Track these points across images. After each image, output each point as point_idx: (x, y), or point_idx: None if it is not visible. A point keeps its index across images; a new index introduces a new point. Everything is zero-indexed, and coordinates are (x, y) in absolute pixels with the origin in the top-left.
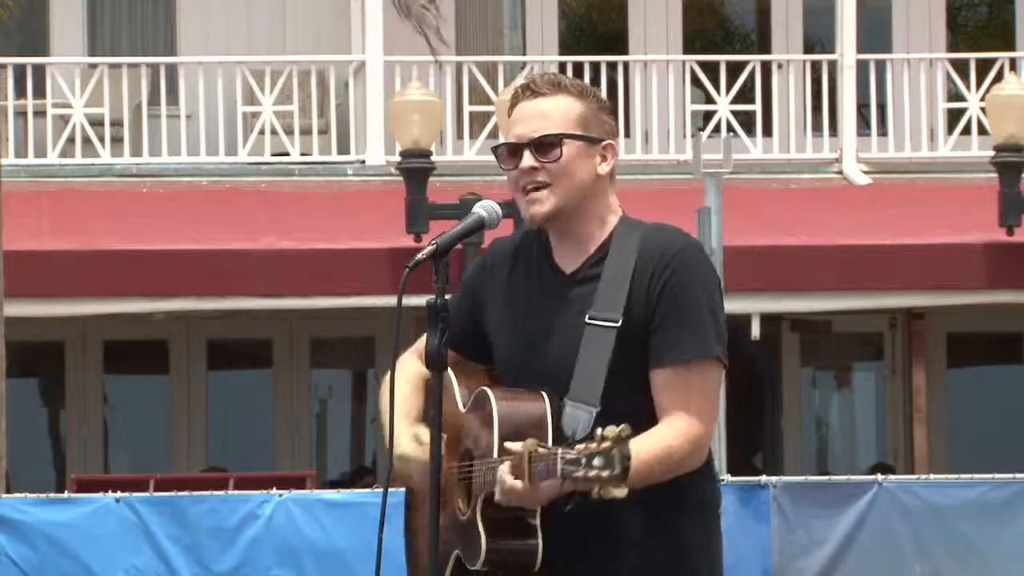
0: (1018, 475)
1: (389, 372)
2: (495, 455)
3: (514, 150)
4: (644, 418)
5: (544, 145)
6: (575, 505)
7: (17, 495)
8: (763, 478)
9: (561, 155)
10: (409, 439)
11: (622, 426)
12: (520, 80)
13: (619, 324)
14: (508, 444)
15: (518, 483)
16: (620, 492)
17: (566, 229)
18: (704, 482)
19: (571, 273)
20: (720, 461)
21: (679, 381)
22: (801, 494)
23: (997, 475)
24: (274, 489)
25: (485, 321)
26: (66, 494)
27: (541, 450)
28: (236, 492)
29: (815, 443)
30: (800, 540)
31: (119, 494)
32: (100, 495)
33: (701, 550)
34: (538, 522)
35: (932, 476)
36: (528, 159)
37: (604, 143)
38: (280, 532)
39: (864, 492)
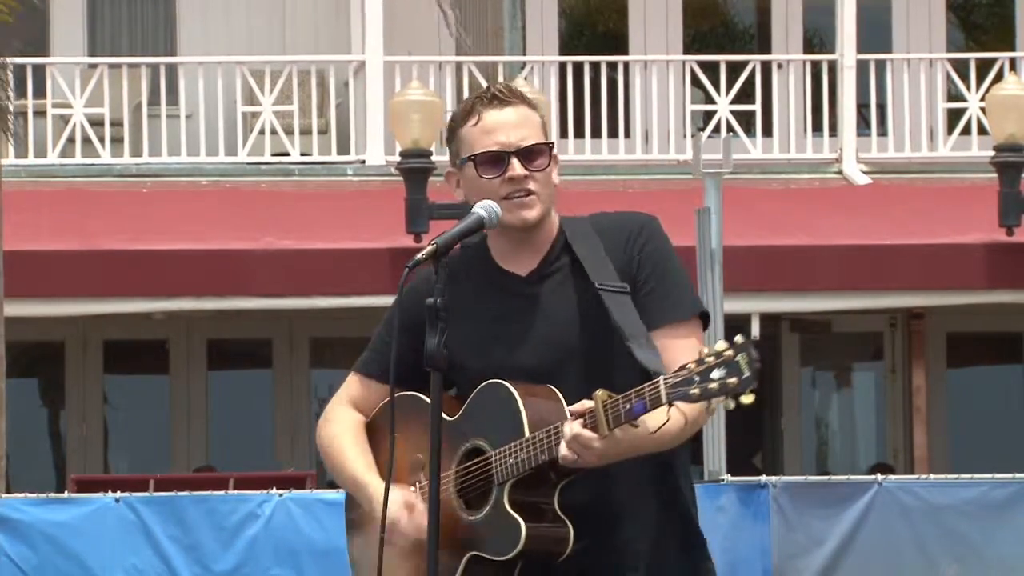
0: (1018, 475)
1: (330, 419)
2: (526, 434)
3: (498, 158)
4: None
5: (532, 153)
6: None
7: (17, 495)
8: (763, 478)
9: (547, 163)
10: (402, 507)
11: (737, 336)
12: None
13: (628, 290)
14: (571, 407)
15: (594, 435)
16: (749, 399)
17: (529, 235)
18: (681, 448)
19: (529, 274)
20: (720, 461)
21: (684, 337)
22: (801, 494)
23: (997, 475)
24: (274, 489)
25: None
26: (66, 494)
27: (613, 396)
28: (236, 492)
29: (815, 443)
30: (800, 540)
31: (119, 494)
32: (100, 495)
33: (696, 514)
34: (558, 509)
35: (932, 476)
36: (519, 167)
37: (554, 152)
38: (280, 532)
39: (864, 492)
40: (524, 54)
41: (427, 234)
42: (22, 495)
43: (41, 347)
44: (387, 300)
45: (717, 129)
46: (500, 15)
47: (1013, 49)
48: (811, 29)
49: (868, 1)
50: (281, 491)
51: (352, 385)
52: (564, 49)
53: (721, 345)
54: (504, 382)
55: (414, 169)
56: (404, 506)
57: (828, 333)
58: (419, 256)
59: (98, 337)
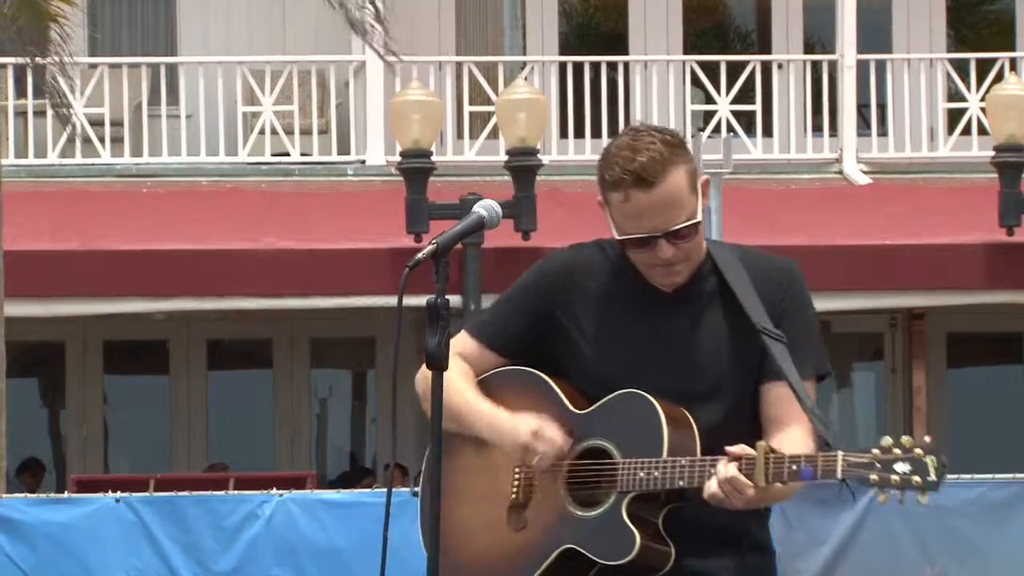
0: (1018, 475)
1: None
2: (664, 455)
3: (646, 240)
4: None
5: (680, 234)
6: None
7: (17, 495)
8: None
9: (696, 234)
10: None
11: (927, 436)
12: (616, 159)
13: (785, 339)
14: (731, 448)
15: (749, 483)
16: (926, 500)
17: None
18: None
19: (676, 292)
20: None
21: (794, 394)
22: (801, 494)
23: (997, 475)
24: (274, 489)
25: (559, 330)
26: (66, 494)
27: (777, 451)
28: (236, 492)
29: None
30: (800, 540)
31: (119, 494)
32: (100, 495)
33: (776, 560)
34: (662, 528)
35: None
36: (668, 251)
37: (702, 183)
38: (280, 532)
39: (864, 491)
40: (524, 54)
41: (427, 234)
42: (22, 495)
43: (41, 347)
44: (387, 300)
45: (717, 129)
46: (500, 15)
47: (1013, 49)
48: (811, 29)
49: (868, 1)
50: (281, 491)
51: (464, 344)
52: (564, 49)
53: (907, 440)
54: (648, 396)
55: (414, 169)
56: (542, 420)
57: (828, 333)
58: (419, 256)
59: (98, 337)
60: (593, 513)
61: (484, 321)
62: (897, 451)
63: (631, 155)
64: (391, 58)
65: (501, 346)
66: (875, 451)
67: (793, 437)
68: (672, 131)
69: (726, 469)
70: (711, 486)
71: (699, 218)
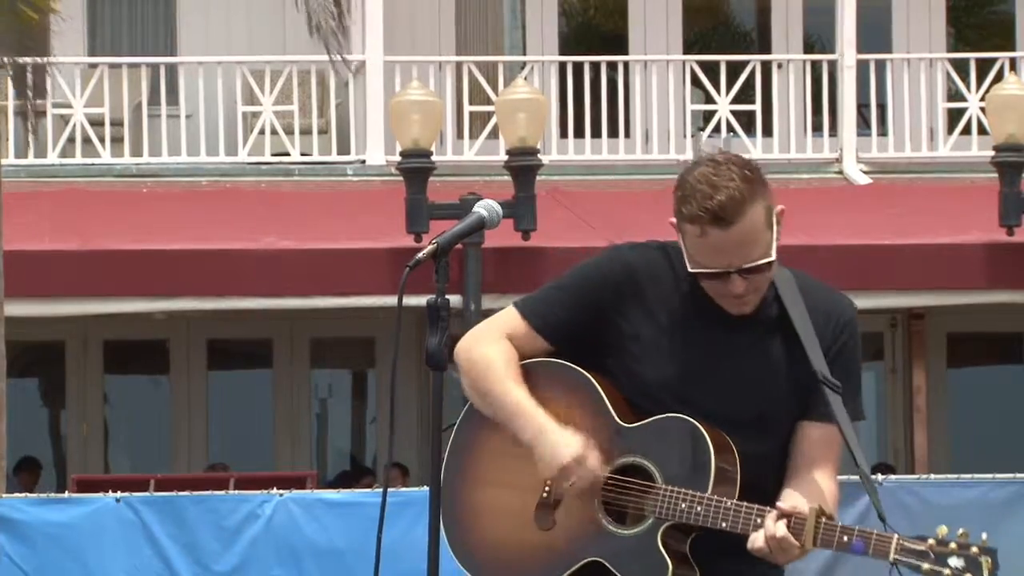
0: (1018, 475)
1: (488, 341)
2: (708, 492)
3: (720, 274)
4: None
5: (754, 270)
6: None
7: (17, 495)
8: None
9: (769, 270)
10: (587, 447)
11: (984, 534)
12: (695, 197)
13: (841, 391)
14: (782, 504)
15: (796, 544)
16: None
17: None
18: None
19: (739, 315)
20: None
21: (833, 440)
22: None
23: (997, 475)
24: (274, 489)
25: (610, 329)
26: (66, 494)
27: (831, 518)
28: (236, 492)
29: None
30: None
31: (119, 494)
32: (100, 495)
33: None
34: (689, 555)
35: (932, 476)
36: (740, 284)
37: (778, 213)
38: (280, 532)
39: (864, 492)
40: (524, 54)
41: (427, 234)
42: (22, 495)
43: (41, 347)
44: (387, 300)
45: (717, 129)
46: (500, 15)
47: (1013, 49)
48: (811, 29)
49: (868, 1)
50: (281, 491)
51: (513, 322)
52: (564, 49)
53: (964, 534)
54: (700, 427)
55: (414, 169)
56: (587, 447)
57: None
58: (420, 256)
59: (98, 337)
60: (626, 532)
61: (536, 304)
62: (953, 545)
63: (710, 191)
64: (343, 70)
65: (550, 333)
66: (931, 540)
67: (827, 485)
68: (752, 164)
69: (775, 527)
70: (757, 540)
71: (774, 256)
